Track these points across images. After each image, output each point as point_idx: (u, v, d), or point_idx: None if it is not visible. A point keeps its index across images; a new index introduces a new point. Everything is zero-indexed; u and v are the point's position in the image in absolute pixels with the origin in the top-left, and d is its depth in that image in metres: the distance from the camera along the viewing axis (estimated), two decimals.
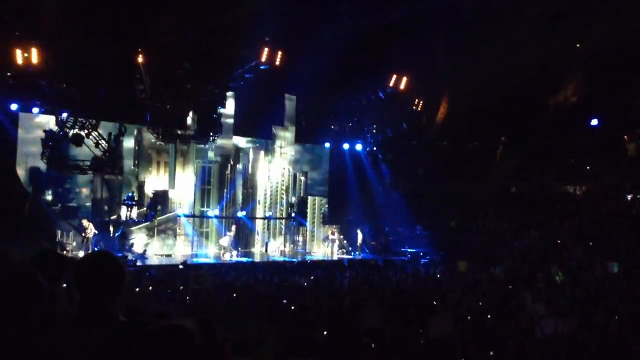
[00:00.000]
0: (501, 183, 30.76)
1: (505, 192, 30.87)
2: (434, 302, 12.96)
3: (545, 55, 24.62)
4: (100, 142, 20.82)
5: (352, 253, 25.38)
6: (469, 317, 11.93)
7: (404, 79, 24.81)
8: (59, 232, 19.73)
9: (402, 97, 26.05)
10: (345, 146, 28.43)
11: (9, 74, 19.12)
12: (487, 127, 27.72)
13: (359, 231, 26.66)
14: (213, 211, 23.44)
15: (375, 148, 28.60)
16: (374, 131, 28.01)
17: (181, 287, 14.28)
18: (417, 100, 26.17)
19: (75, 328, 2.46)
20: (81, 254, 19.23)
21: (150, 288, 14.34)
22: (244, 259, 21.89)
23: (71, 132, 20.22)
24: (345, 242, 25.78)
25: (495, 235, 27.05)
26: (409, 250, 26.46)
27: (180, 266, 18.68)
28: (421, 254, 26.06)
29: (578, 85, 27.86)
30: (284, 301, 13.16)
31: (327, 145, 28.40)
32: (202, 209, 23.48)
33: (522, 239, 25.25)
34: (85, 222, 19.49)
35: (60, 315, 2.65)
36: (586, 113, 29.46)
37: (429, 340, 9.51)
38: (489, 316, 12.21)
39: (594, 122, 29.22)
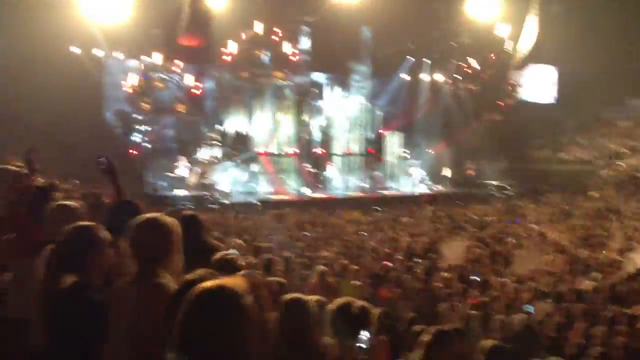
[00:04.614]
0: (593, 109, 29.09)
1: (597, 118, 29.18)
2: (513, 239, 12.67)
3: None
4: (181, 84, 21.43)
5: (434, 187, 25.06)
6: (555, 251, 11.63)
7: (486, 5, 23.46)
8: (149, 173, 20.63)
9: (485, 23, 24.74)
10: (425, 78, 27.53)
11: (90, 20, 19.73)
12: (577, 49, 25.94)
13: (439, 165, 26.23)
14: (291, 149, 23.74)
15: (456, 79, 27.54)
16: (455, 62, 26.92)
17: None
18: (501, 26, 24.77)
19: (127, 289, 2.55)
20: (175, 193, 20.16)
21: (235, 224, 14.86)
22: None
23: (155, 75, 20.89)
24: (426, 176, 25.41)
25: (585, 164, 25.85)
26: (493, 182, 25.77)
27: (258, 203, 19.22)
28: (506, 186, 25.35)
29: None
30: (363, 238, 13.29)
31: (405, 77, 27.60)
32: (281, 146, 23.78)
33: (614, 168, 23.99)
34: (179, 163, 20.42)
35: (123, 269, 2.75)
36: None
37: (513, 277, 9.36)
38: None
39: None
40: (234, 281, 1.69)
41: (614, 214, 16.92)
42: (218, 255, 3.55)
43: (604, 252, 11.22)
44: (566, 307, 7.35)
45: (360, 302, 2.86)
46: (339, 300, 2.95)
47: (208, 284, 1.67)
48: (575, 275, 9.47)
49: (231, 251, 3.86)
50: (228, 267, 3.22)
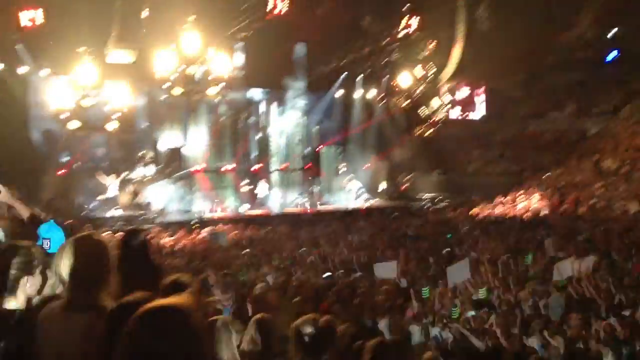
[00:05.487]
0: (518, 123, 30.31)
1: (523, 132, 30.42)
2: (449, 250, 12.96)
3: None
4: (112, 101, 20.86)
5: (369, 201, 25.36)
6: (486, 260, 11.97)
7: (416, 22, 24.13)
8: (76, 194, 19.89)
9: (415, 41, 25.44)
10: (358, 94, 27.99)
11: (14, 37, 19.04)
12: (502, 66, 27.02)
13: (375, 179, 26.63)
14: (227, 165, 23.53)
15: (389, 94, 28.12)
16: (387, 77, 27.50)
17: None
18: (429, 43, 25.52)
19: (60, 315, 2.41)
20: (105, 214, 19.50)
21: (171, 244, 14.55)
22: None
23: (82, 93, 20.24)
24: (361, 190, 25.71)
25: (513, 176, 26.80)
26: (426, 195, 26.36)
27: (193, 222, 18.89)
28: (439, 198, 25.98)
29: (594, 19, 26.97)
30: (303, 252, 13.27)
31: (340, 93, 27.99)
32: (217, 163, 23.50)
33: (540, 180, 24.98)
34: (103, 179, 19.76)
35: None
36: (603, 47, 28.71)
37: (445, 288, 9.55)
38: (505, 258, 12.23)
39: (612, 55, 28.49)
40: (181, 300, 1.64)
41: (542, 224, 17.61)
42: (170, 277, 3.42)
43: (534, 261, 11.60)
44: (502, 317, 7.54)
45: (326, 318, 2.82)
46: (305, 317, 2.91)
47: (155, 303, 1.61)
48: (509, 284, 9.75)
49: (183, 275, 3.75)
50: (181, 289, 3.10)
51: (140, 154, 21.97)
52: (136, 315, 1.59)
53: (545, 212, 20.50)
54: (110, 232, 14.80)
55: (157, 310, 1.59)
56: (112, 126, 20.87)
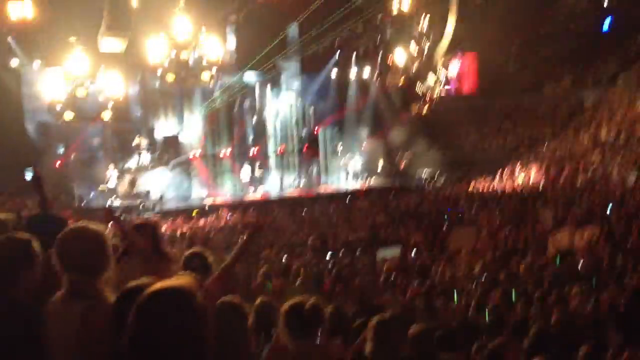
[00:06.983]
0: (515, 96, 30.18)
1: (519, 105, 30.31)
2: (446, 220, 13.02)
3: None
4: (105, 90, 20.74)
5: (368, 180, 25.36)
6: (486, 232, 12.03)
7: None
8: (75, 185, 19.87)
9: (408, 17, 25.23)
10: (353, 73, 27.86)
11: (4, 30, 18.91)
12: (496, 40, 26.87)
13: (372, 158, 26.59)
14: (224, 150, 23.48)
15: (384, 72, 27.97)
16: (381, 55, 27.32)
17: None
18: (423, 19, 25.30)
19: (59, 305, 2.40)
20: (104, 204, 19.48)
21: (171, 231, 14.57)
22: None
23: (75, 84, 20.13)
24: (359, 169, 25.70)
25: (511, 150, 26.76)
26: (424, 173, 26.34)
27: (207, 208, 18.98)
28: (437, 174, 25.96)
29: None
30: (303, 234, 13.33)
31: (334, 73, 27.85)
32: (214, 149, 23.44)
33: (537, 152, 24.95)
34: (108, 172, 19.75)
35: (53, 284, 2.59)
36: (599, 15, 28.52)
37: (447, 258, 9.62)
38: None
39: (607, 22, 28.33)
40: (185, 281, 1.65)
41: (539, 196, 17.63)
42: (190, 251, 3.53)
43: (532, 233, 11.66)
44: (502, 290, 7.57)
45: (312, 301, 2.86)
46: (292, 300, 2.95)
47: (159, 285, 1.61)
48: (507, 257, 9.80)
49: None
50: (198, 261, 3.25)
51: (134, 142, 21.92)
52: (139, 299, 1.60)
53: (543, 184, 20.49)
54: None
55: (159, 293, 1.60)
56: (106, 116, 20.77)
